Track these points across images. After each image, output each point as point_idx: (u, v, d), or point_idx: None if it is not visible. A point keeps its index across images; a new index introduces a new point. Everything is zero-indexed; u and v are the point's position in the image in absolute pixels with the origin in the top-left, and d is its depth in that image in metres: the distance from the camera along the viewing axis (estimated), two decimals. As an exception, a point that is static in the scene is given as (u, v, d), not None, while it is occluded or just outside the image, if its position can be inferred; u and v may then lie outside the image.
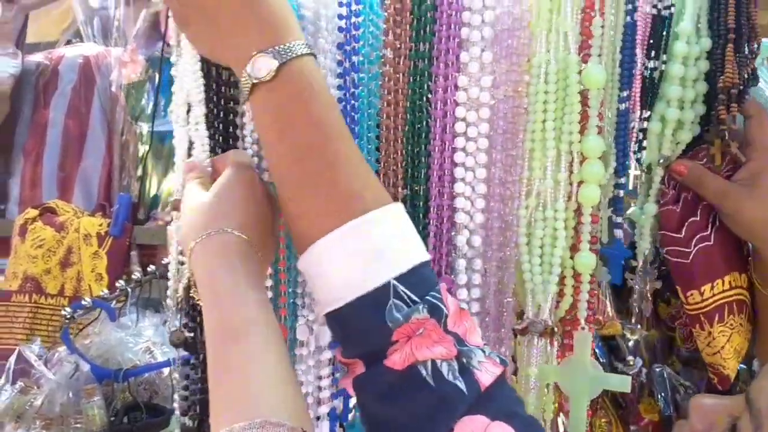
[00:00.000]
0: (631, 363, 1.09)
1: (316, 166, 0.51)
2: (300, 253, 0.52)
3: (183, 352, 0.97)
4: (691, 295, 0.78)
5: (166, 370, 1.09)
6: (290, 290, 0.74)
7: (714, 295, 0.78)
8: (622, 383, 0.66)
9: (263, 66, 0.51)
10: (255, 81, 0.52)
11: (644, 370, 1.19)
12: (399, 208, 0.52)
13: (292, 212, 0.53)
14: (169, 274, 0.77)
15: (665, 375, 1.20)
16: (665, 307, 1.41)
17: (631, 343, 1.20)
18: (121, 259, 1.42)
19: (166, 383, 1.09)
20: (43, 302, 1.42)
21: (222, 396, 0.47)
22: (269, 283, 0.71)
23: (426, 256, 0.51)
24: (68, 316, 1.04)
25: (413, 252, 0.50)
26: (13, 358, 1.05)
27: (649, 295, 0.83)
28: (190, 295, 0.67)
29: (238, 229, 0.55)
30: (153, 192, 1.65)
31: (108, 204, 1.74)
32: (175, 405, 0.97)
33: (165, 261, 1.34)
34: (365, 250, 0.48)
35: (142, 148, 1.69)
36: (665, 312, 1.39)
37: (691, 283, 0.77)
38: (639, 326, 1.02)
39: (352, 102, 0.70)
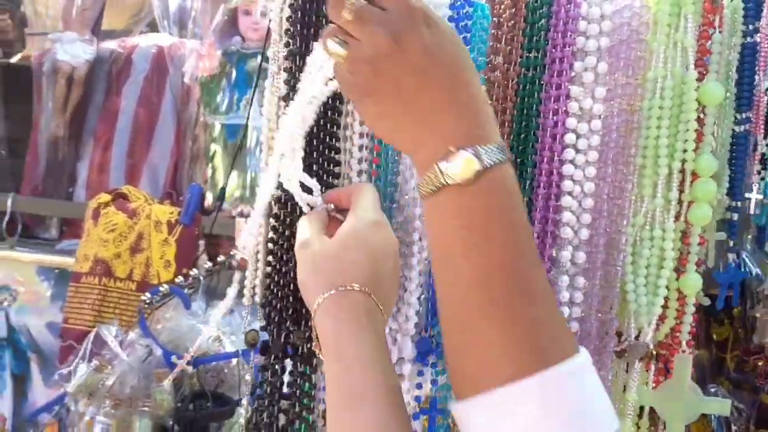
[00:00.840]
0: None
1: (507, 294, 0.43)
2: (463, 394, 0.45)
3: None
4: None
5: (234, 360, 1.10)
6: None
7: None
8: (722, 407, 0.63)
9: (463, 166, 0.43)
10: (449, 182, 0.44)
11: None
12: (588, 357, 0.44)
13: (462, 343, 0.44)
14: (247, 273, 0.77)
15: (719, 395, 1.16)
16: (718, 328, 1.37)
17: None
18: (190, 248, 1.44)
19: (233, 373, 1.10)
20: (111, 285, 1.45)
21: None
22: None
23: (617, 419, 0.44)
24: (147, 301, 1.05)
25: (610, 412, 0.43)
26: (91, 337, 1.08)
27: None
28: (312, 348, 0.66)
29: (367, 285, 0.51)
30: (220, 184, 1.68)
31: (174, 192, 1.77)
32: (243, 401, 0.98)
33: (233, 252, 1.36)
34: (563, 407, 0.41)
35: (212, 142, 1.72)
36: (719, 334, 1.34)
37: None
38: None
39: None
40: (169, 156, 1.87)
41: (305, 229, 0.57)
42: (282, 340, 0.70)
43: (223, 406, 1.09)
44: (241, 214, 1.49)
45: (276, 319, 0.70)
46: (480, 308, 0.43)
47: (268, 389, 0.70)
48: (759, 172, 0.71)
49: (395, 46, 0.44)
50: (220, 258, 1.28)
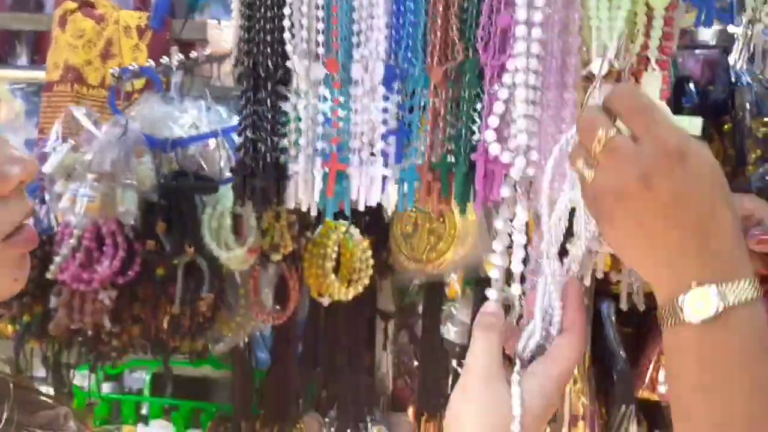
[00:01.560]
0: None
1: None
2: None
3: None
4: None
5: (212, 144, 1.11)
6: (344, 24, 0.74)
7: None
8: (692, 125, 0.65)
9: (703, 303, 0.41)
10: (686, 320, 0.42)
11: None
12: None
13: None
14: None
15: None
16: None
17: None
18: (161, 53, 1.40)
19: (214, 157, 1.11)
20: (85, 92, 1.43)
21: None
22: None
23: None
24: (116, 75, 1.05)
25: None
26: (61, 118, 1.07)
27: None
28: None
29: None
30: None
31: (143, 8, 1.71)
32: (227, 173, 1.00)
33: (206, 52, 1.34)
34: None
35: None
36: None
37: None
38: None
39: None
40: (136, -29, 1.79)
41: (489, 356, 0.50)
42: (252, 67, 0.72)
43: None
44: (212, 17, 1.45)
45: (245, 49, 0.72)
46: None
47: (251, 109, 0.73)
48: None
49: (643, 188, 0.42)
50: (193, 54, 1.27)
